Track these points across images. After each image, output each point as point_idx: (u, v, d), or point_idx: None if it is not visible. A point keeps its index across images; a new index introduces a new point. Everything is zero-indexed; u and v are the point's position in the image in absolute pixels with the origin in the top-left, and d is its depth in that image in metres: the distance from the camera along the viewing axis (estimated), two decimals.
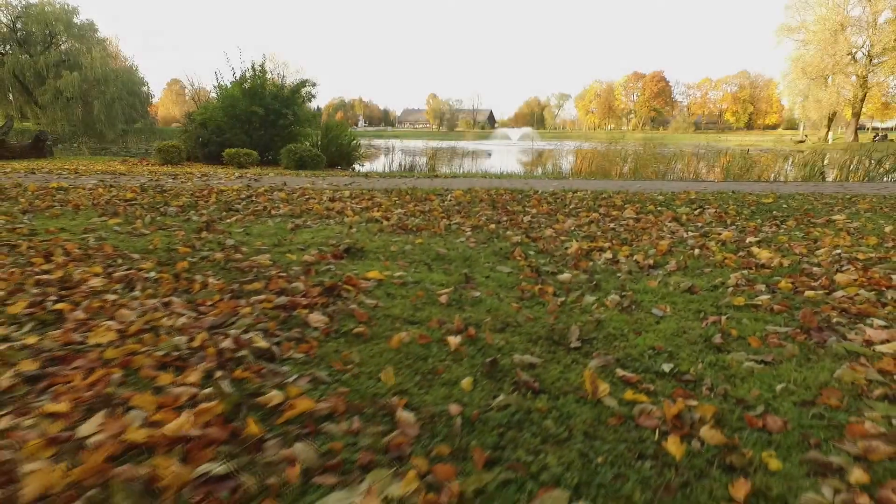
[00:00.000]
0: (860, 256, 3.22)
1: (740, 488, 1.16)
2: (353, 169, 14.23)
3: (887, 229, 4.12)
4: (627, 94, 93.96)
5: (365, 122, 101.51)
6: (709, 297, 2.52)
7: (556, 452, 1.31)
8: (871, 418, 1.44)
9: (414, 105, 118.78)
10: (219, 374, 1.66)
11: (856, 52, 41.07)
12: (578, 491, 1.17)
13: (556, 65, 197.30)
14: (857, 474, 1.19)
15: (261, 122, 14.58)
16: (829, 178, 11.41)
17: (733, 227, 4.34)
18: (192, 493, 1.13)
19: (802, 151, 16.05)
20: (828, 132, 42.90)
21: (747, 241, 3.71)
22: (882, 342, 1.92)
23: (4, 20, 32.58)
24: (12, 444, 1.26)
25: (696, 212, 5.07)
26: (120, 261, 2.95)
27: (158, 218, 4.30)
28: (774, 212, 5.13)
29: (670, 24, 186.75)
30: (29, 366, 1.66)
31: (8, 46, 32.59)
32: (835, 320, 2.19)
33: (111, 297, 2.31)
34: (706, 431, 1.36)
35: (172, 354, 1.77)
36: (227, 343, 1.85)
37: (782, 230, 4.20)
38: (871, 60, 40.45)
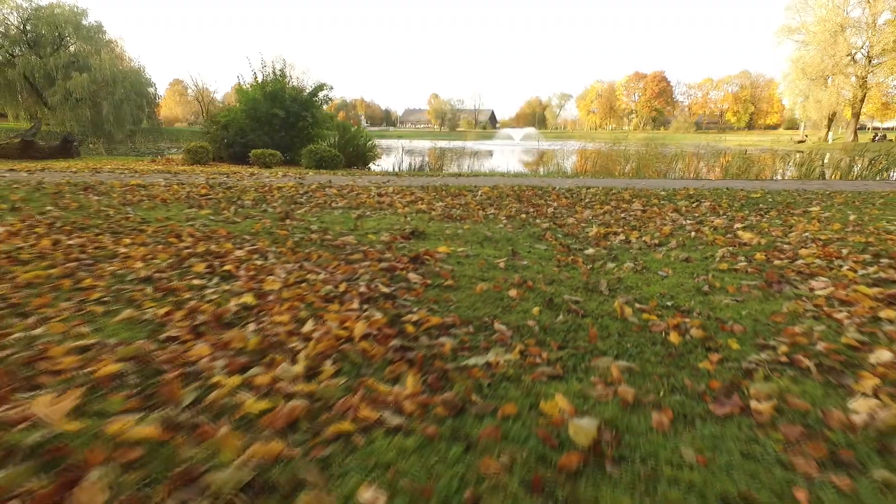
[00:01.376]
0: (823, 237, 4.02)
1: (714, 357, 1.96)
2: (369, 168, 15.00)
3: (851, 218, 4.93)
4: (629, 94, 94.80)
5: (367, 122, 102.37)
6: (701, 265, 3.32)
7: (601, 342, 2.11)
8: (801, 327, 2.24)
9: (415, 105, 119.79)
10: (366, 306, 2.47)
11: (855, 52, 41.85)
12: (618, 357, 1.97)
13: (558, 65, 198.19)
14: (783, 349, 2.00)
15: (281, 123, 15.39)
16: (828, 177, 12.11)
17: (724, 216, 5.14)
18: (392, 356, 1.93)
19: (802, 151, 16.81)
20: (828, 132, 43.69)
21: (734, 227, 4.51)
22: (820, 289, 2.72)
23: (14, 22, 33.12)
24: (273, 334, 2.06)
25: (693, 205, 5.87)
26: (239, 240, 3.75)
27: (240, 210, 5.10)
28: (761, 205, 5.93)
29: (671, 25, 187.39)
30: (239, 300, 2.47)
31: (18, 48, 33.14)
32: (792, 278, 2.99)
33: (257, 262, 3.12)
34: (694, 332, 2.17)
35: (330, 295, 2.58)
36: (362, 289, 2.66)
37: (765, 219, 5.00)
38: (870, 61, 41.23)
